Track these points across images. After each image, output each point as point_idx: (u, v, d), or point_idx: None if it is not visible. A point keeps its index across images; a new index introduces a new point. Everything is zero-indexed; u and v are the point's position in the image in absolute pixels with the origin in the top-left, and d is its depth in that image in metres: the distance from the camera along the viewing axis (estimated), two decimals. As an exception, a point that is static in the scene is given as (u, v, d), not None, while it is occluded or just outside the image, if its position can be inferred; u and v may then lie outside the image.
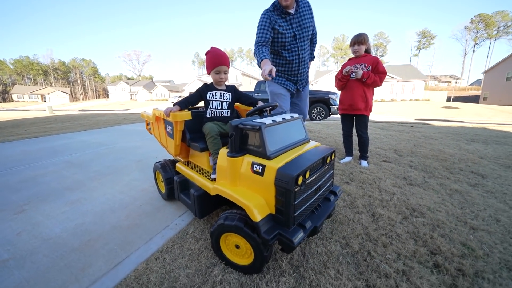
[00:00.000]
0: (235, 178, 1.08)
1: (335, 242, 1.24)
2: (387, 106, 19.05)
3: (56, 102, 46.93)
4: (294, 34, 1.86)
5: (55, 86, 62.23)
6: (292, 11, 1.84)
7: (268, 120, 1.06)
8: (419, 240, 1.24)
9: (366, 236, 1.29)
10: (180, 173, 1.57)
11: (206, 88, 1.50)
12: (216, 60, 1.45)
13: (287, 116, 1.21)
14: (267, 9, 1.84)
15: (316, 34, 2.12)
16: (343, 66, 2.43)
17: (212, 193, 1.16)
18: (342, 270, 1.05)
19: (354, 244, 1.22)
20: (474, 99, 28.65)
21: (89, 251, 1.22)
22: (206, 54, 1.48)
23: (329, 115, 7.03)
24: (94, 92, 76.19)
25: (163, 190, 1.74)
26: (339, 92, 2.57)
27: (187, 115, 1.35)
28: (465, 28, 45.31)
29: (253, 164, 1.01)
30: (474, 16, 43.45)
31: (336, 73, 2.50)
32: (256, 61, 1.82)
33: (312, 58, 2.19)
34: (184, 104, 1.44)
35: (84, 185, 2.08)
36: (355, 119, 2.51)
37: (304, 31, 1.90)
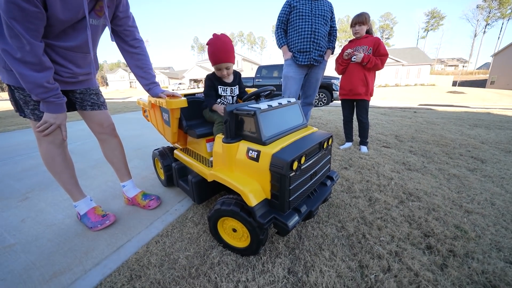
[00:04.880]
0: (231, 164, 1.08)
1: (331, 225, 1.26)
2: (391, 91, 18.69)
3: (55, 91, 46.41)
4: (310, 9, 2.23)
5: (53, 75, 61.18)
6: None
7: (263, 105, 1.04)
8: (413, 223, 1.27)
9: (361, 219, 1.31)
10: (178, 160, 1.58)
11: (216, 82, 1.40)
12: (216, 57, 1.30)
13: (284, 101, 1.18)
14: None
15: (335, 29, 2.39)
16: (344, 49, 2.34)
17: (209, 179, 1.17)
18: (337, 251, 1.08)
19: (349, 227, 1.24)
20: (481, 84, 27.89)
21: (92, 235, 1.26)
22: (207, 44, 1.33)
23: (331, 101, 6.91)
24: (93, 81, 75.05)
25: (162, 177, 1.77)
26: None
27: (183, 102, 1.33)
28: (477, 7, 43.09)
29: (248, 150, 1.01)
30: (487, -6, 41.12)
31: (336, 56, 2.42)
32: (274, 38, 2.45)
33: (331, 48, 2.39)
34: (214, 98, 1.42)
35: (86, 173, 2.11)
36: (356, 104, 2.47)
37: (319, 10, 2.23)
